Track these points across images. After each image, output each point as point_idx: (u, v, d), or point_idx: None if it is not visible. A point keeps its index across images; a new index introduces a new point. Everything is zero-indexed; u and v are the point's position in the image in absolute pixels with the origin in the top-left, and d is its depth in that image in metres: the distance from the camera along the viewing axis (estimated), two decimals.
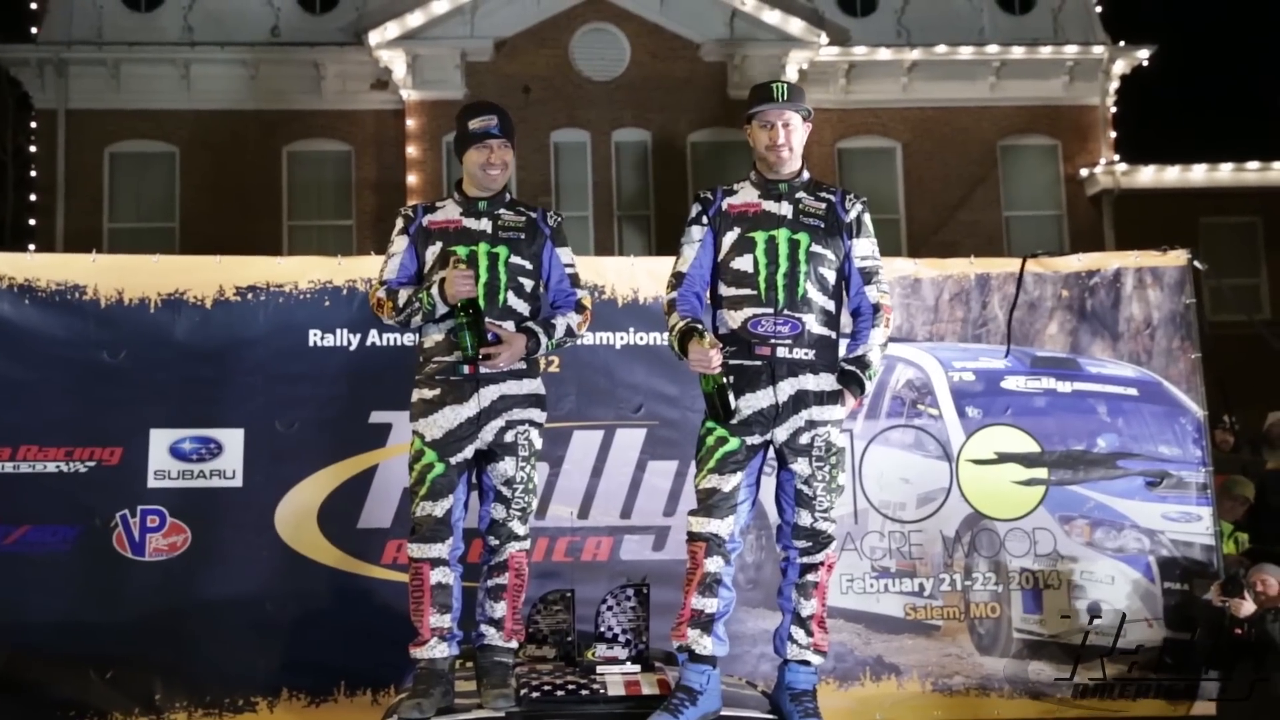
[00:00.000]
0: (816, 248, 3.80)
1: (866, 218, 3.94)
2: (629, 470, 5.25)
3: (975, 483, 5.42)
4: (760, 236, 3.80)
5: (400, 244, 4.04)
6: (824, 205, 3.87)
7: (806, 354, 3.76)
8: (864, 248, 3.90)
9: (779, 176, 3.87)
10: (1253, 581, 5.36)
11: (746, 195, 3.90)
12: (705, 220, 3.91)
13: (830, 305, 3.84)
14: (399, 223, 4.08)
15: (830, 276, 3.84)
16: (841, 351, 3.90)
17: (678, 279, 3.92)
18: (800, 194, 3.87)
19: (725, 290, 3.86)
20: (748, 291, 3.79)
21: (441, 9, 15.66)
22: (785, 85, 3.89)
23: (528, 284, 3.98)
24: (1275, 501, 7.47)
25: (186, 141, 15.99)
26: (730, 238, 3.85)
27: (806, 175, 3.93)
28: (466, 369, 3.86)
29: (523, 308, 3.96)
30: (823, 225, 3.83)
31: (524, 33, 16.00)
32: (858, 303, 3.92)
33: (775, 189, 3.87)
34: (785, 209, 3.84)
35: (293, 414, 5.07)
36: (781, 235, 3.80)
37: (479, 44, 15.85)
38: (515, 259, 3.95)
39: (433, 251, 3.95)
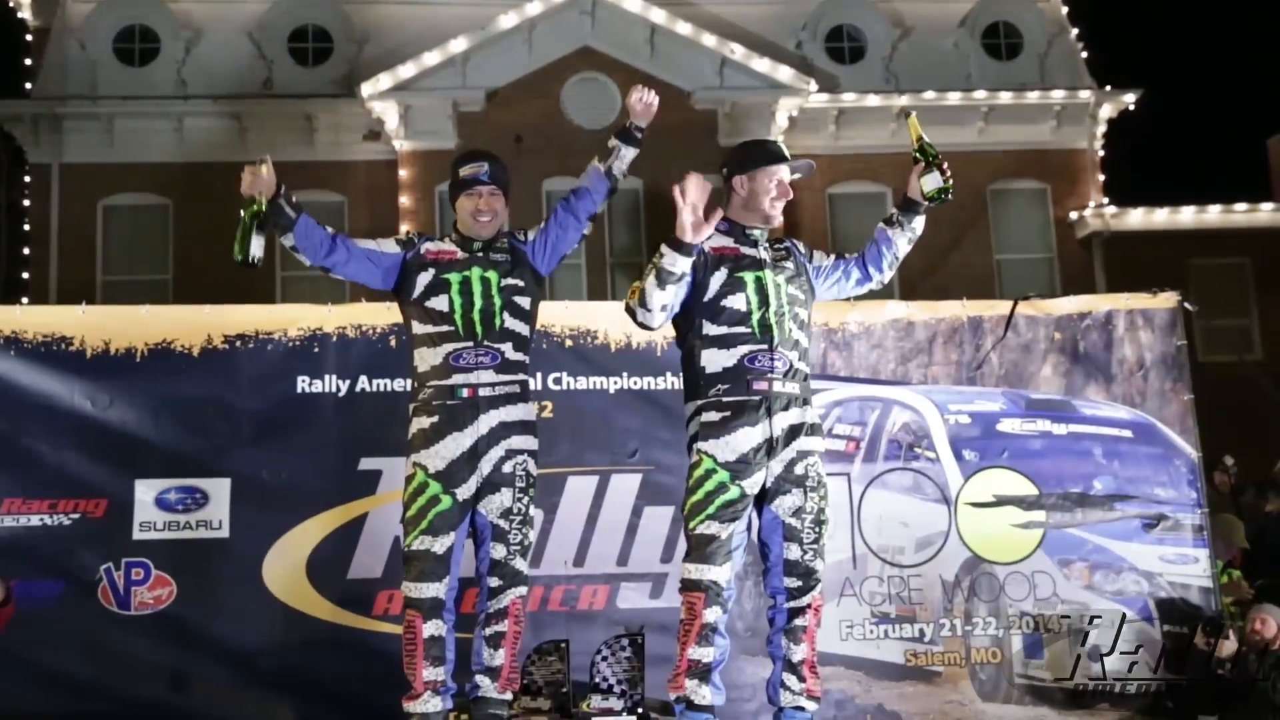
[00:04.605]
0: (791, 289, 3.91)
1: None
2: (625, 516, 5.19)
3: (974, 526, 5.37)
4: (749, 277, 3.87)
5: (389, 246, 4.01)
6: (785, 251, 4.02)
7: (794, 389, 3.83)
8: (821, 255, 4.08)
9: (756, 225, 3.96)
10: (1252, 619, 5.33)
11: (721, 240, 3.96)
12: None
13: (806, 343, 3.94)
14: (400, 236, 4.09)
15: (804, 315, 3.95)
16: (815, 390, 4.03)
17: None
18: (766, 243, 3.99)
19: (714, 329, 3.86)
20: (742, 329, 3.82)
21: (433, 60, 15.80)
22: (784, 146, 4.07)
23: (524, 302, 3.97)
24: (1275, 542, 7.47)
25: (180, 194, 16.03)
26: (719, 277, 3.87)
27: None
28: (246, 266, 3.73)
29: (521, 328, 3.95)
30: (791, 267, 3.97)
31: (515, 83, 16.13)
32: (858, 256, 4.06)
33: (749, 236, 3.95)
34: (762, 253, 3.94)
35: (280, 462, 5.00)
36: (767, 276, 3.88)
37: (470, 94, 15.97)
38: (508, 280, 3.94)
39: (424, 278, 3.93)
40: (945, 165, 3.91)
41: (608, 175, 4.10)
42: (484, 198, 3.96)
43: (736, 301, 3.84)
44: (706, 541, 3.74)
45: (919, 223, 4.01)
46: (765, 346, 3.79)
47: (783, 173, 3.95)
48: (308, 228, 3.85)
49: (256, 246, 3.74)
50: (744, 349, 3.80)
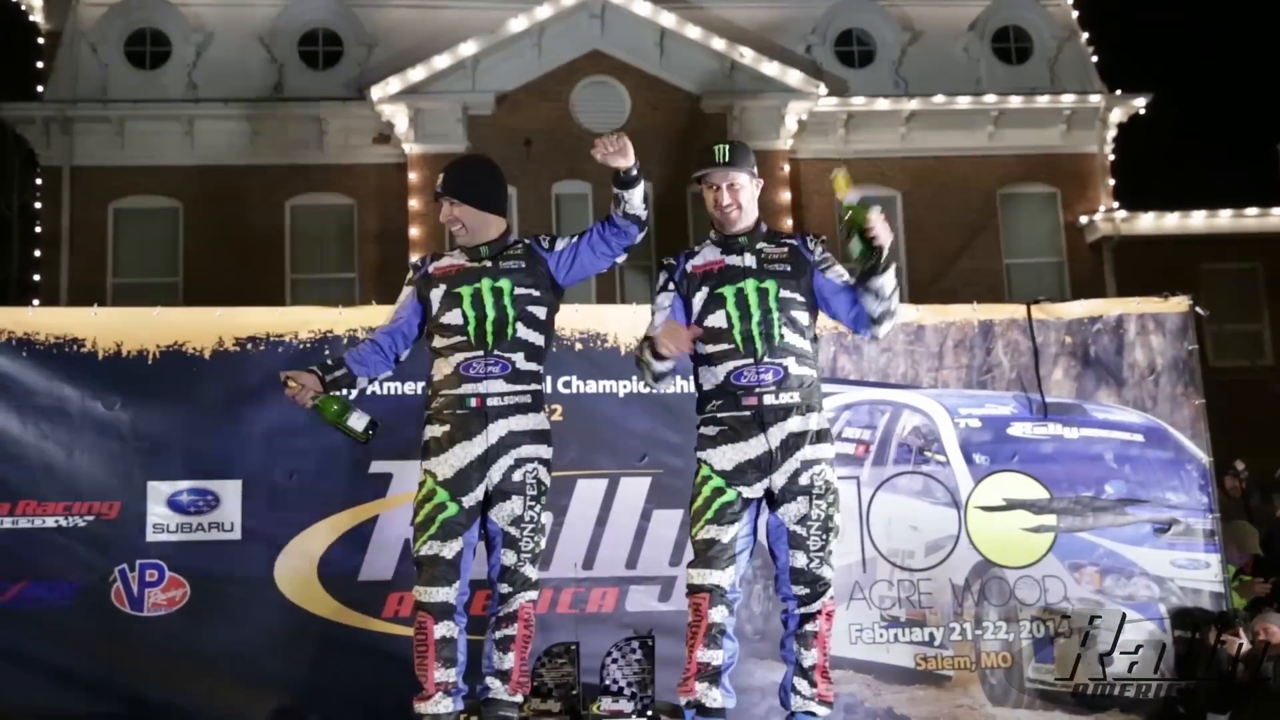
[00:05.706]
0: (785, 292, 3.84)
1: (830, 254, 3.99)
2: (634, 520, 5.19)
3: (984, 530, 5.36)
4: (729, 291, 3.84)
5: (404, 295, 4.08)
6: (786, 249, 3.92)
7: (792, 397, 3.80)
8: (839, 271, 3.92)
9: (736, 232, 3.92)
10: (1257, 630, 5.31)
11: (708, 255, 3.95)
12: (672, 286, 3.96)
13: (807, 346, 3.87)
14: (409, 273, 4.11)
15: (803, 318, 3.87)
16: (824, 394, 4.01)
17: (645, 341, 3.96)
18: (761, 244, 3.92)
19: (703, 348, 3.87)
20: (725, 346, 3.82)
21: (443, 64, 15.83)
22: (727, 147, 3.90)
23: (539, 312, 3.96)
24: None
25: (190, 197, 16.10)
26: (700, 297, 3.88)
27: (764, 227, 3.98)
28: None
29: (535, 338, 3.94)
30: (789, 268, 3.88)
31: (525, 86, 16.16)
32: (856, 291, 3.87)
33: (735, 243, 3.92)
34: (749, 260, 3.89)
35: (291, 464, 5.02)
36: (749, 285, 3.84)
37: (480, 98, 16.00)
38: (521, 289, 3.93)
39: (437, 295, 3.96)
40: (869, 225, 3.60)
41: (627, 218, 3.89)
42: (444, 208, 3.98)
43: (717, 319, 3.83)
44: (707, 546, 3.76)
45: (880, 282, 3.73)
46: (750, 360, 3.78)
47: (715, 178, 3.85)
48: (366, 366, 3.98)
49: (357, 421, 3.89)
50: (729, 365, 3.81)
